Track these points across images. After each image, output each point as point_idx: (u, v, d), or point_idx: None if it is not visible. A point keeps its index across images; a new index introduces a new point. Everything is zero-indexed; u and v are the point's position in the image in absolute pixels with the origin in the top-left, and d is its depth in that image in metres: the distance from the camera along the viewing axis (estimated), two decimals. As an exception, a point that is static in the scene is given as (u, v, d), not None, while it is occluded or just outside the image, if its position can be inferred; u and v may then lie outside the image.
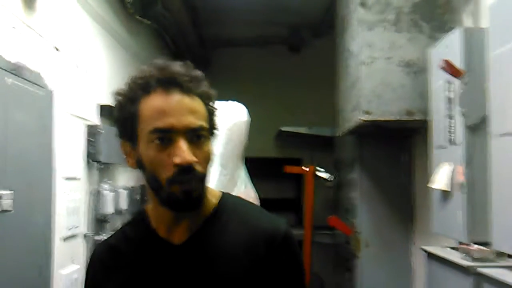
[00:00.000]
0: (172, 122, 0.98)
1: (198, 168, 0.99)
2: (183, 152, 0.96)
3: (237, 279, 1.01)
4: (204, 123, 1.01)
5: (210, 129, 1.04)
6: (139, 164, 1.03)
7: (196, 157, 0.98)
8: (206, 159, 1.01)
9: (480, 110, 1.99)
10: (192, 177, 0.98)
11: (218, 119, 1.09)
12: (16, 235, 1.82)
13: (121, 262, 1.09)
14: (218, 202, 1.09)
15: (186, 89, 1.00)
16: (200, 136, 1.00)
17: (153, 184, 1.01)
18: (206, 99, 1.04)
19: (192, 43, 4.68)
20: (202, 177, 1.00)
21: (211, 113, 1.05)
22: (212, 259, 1.03)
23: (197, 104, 1.01)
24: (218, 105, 1.10)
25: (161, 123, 0.98)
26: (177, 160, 0.96)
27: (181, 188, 0.98)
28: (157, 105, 0.99)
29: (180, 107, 0.99)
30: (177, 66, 1.02)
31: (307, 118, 5.03)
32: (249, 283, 1.02)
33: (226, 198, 1.12)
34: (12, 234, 1.79)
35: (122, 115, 1.03)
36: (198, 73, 1.05)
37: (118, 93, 1.04)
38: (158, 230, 1.07)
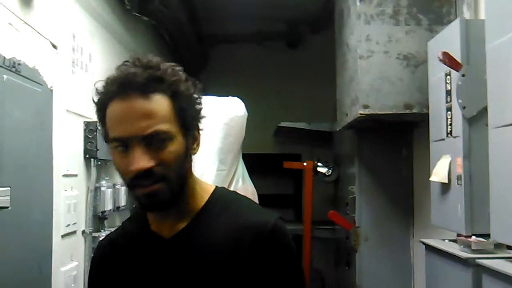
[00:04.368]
0: (125, 130, 0.98)
1: (159, 170, 0.98)
2: (135, 159, 0.97)
3: (221, 274, 1.01)
4: (163, 126, 0.98)
5: (183, 126, 1.02)
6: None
7: (156, 159, 0.98)
8: (170, 160, 1.00)
9: (479, 102, 1.98)
10: (152, 182, 0.98)
11: (200, 113, 1.07)
12: (15, 232, 1.81)
13: (119, 256, 1.13)
14: (209, 197, 1.10)
15: (143, 91, 0.98)
16: (160, 140, 0.98)
17: (125, 185, 1.05)
18: (174, 96, 1.01)
19: (190, 40, 4.67)
20: (165, 178, 0.99)
21: (182, 109, 1.02)
22: (198, 253, 1.04)
23: (156, 105, 0.99)
24: (215, 100, 1.11)
25: (116, 132, 0.99)
26: (131, 167, 0.98)
27: (142, 192, 1.00)
28: (113, 114, 1.00)
29: (133, 114, 0.98)
30: (133, 67, 1.00)
31: (306, 114, 5.01)
32: (235, 277, 1.01)
33: (218, 192, 1.13)
34: (10, 231, 1.78)
35: (98, 121, 1.05)
36: (166, 68, 1.02)
37: (94, 101, 1.05)
38: (152, 224, 1.10)
